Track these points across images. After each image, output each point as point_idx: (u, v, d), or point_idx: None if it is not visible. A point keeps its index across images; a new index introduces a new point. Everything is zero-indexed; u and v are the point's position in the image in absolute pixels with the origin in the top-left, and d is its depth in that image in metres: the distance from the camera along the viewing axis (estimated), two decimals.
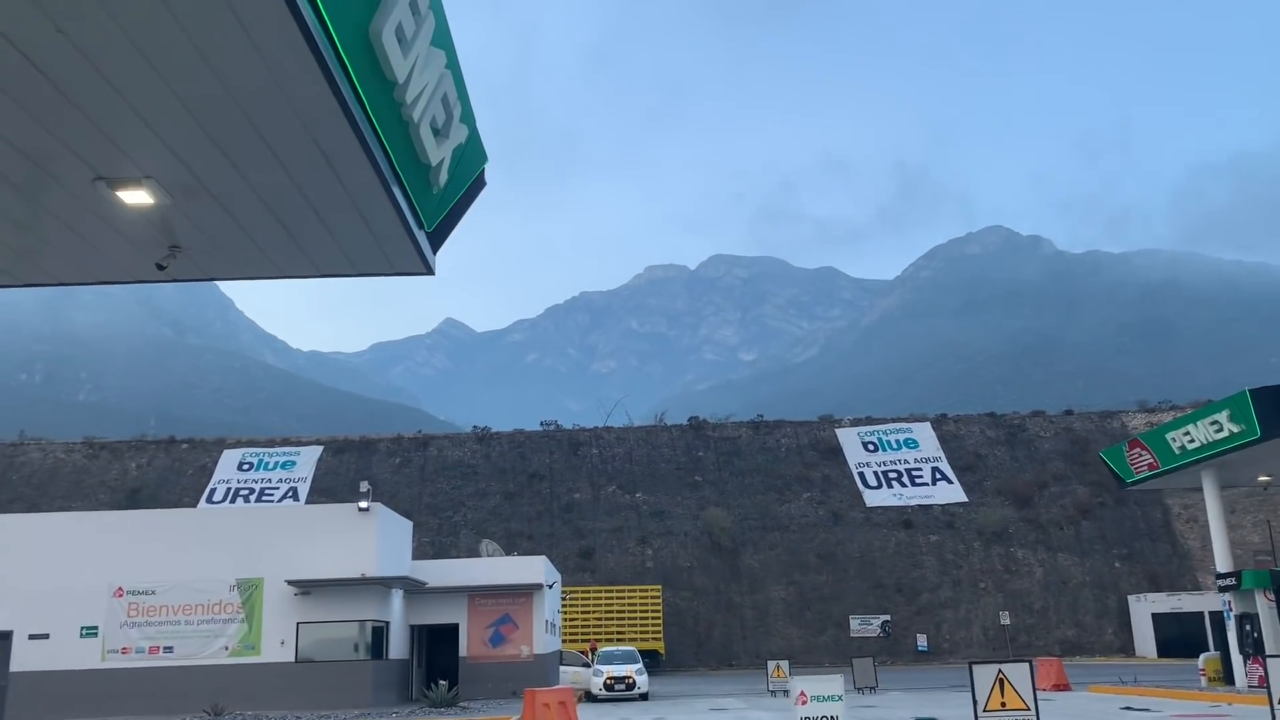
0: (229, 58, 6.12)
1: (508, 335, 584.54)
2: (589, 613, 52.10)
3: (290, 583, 28.60)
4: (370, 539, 29.23)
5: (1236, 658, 25.99)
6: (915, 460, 57.60)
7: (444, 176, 8.40)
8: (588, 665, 34.70)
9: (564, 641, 43.38)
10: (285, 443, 67.58)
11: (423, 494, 65.30)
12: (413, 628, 33.22)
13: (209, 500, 56.63)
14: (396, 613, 31.52)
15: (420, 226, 8.65)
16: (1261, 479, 30.68)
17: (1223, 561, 27.30)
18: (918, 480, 56.96)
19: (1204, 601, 49.97)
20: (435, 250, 9.37)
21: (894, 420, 63.96)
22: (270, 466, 58.40)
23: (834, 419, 71.12)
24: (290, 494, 55.79)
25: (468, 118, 8.37)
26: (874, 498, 57.08)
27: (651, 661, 43.47)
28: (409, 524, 35.18)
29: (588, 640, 47.63)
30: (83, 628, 28.36)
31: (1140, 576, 58.76)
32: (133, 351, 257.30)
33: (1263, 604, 25.32)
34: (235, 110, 6.70)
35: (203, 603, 28.68)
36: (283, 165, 7.44)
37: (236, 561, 29.07)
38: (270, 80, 6.33)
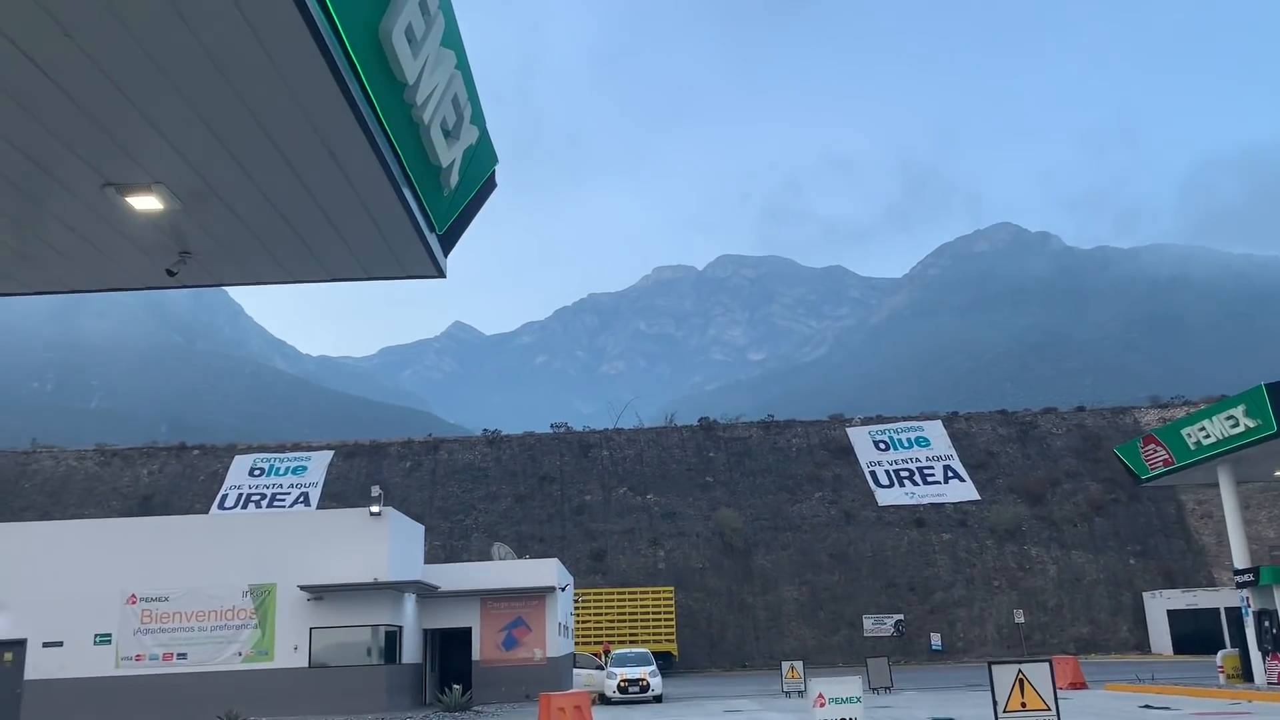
0: (238, 60, 6.06)
1: (516, 338, 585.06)
2: (601, 615, 51.99)
3: (303, 588, 28.57)
4: (382, 543, 29.19)
5: (1255, 654, 25.77)
6: (927, 459, 57.42)
7: (455, 178, 8.33)
8: (601, 668, 34.60)
9: (577, 644, 43.29)
10: (296, 448, 67.68)
11: (434, 497, 65.31)
12: (426, 632, 33.16)
13: (221, 506, 56.75)
14: (409, 617, 31.48)
15: (431, 229, 8.58)
16: (1278, 474, 30.42)
17: (1240, 557, 27.09)
18: (930, 479, 56.78)
19: (1220, 598, 49.66)
20: (446, 253, 9.31)
21: (905, 419, 63.79)
22: (281, 472, 58.49)
23: (844, 418, 70.94)
24: (301, 499, 55.85)
25: (478, 119, 8.30)
26: (886, 496, 56.93)
27: (665, 663, 43.34)
28: (420, 528, 35.13)
29: (600, 643, 47.53)
30: (96, 635, 28.36)
31: (1155, 573, 58.43)
32: (143, 359, 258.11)
33: None
34: (245, 113, 6.63)
35: (216, 609, 28.67)
36: (292, 168, 7.39)
37: (249, 567, 29.05)
38: (279, 82, 6.26)
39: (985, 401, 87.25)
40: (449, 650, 33.57)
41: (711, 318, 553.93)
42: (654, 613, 52.44)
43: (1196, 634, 49.56)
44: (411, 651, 31.53)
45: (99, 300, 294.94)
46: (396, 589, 29.67)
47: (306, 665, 28.46)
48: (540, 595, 33.56)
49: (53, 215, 7.95)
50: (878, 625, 56.80)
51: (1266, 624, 25.36)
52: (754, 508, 63.35)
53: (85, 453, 70.68)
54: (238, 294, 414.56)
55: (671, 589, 54.07)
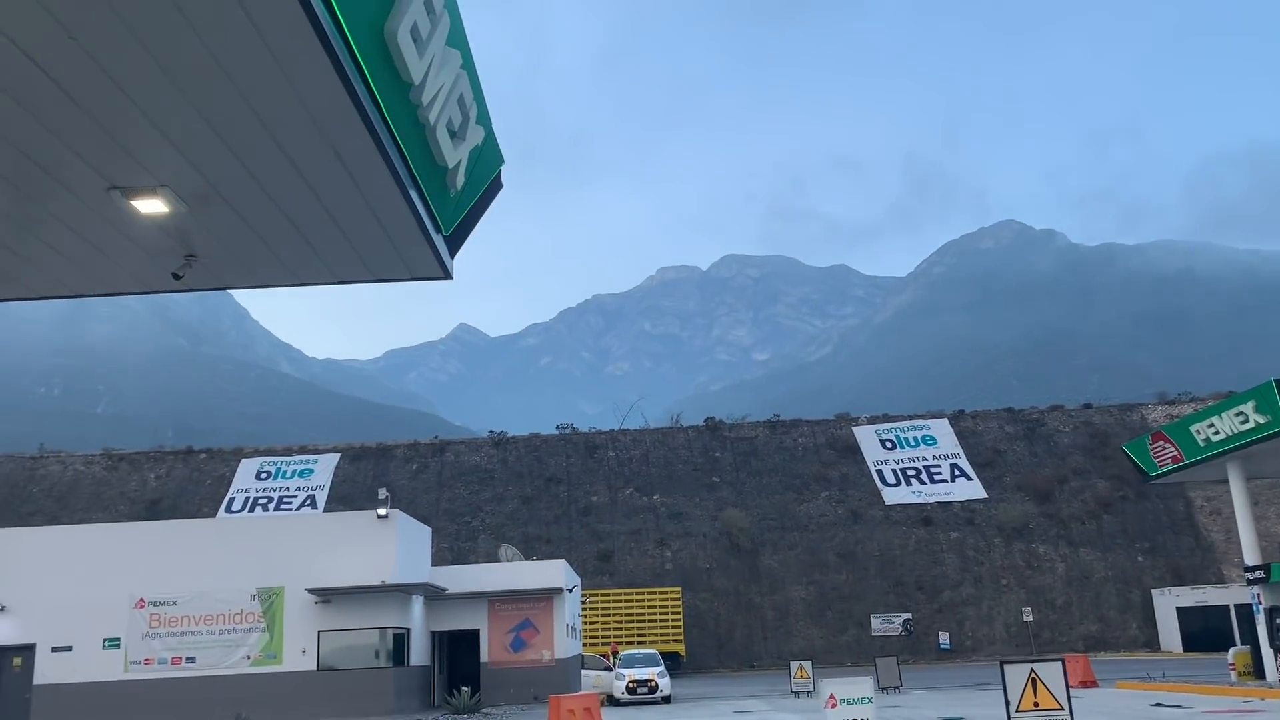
0: (243, 61, 6.02)
1: (521, 339, 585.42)
2: (609, 616, 51.95)
3: (311, 591, 28.56)
4: (390, 546, 29.16)
5: (1267, 651, 25.63)
6: (934, 457, 57.25)
7: (461, 179, 8.28)
8: (609, 669, 34.55)
9: (584, 645, 43.25)
10: (302, 451, 67.74)
11: (440, 499, 65.31)
12: (434, 634, 33.13)
13: (228, 510, 56.78)
14: (417, 619, 31.46)
15: (438, 230, 8.53)
16: None
17: (1250, 554, 26.96)
18: (936, 477, 56.60)
19: (1230, 595, 49.50)
20: (453, 254, 9.25)
21: (911, 417, 63.68)
22: (288, 475, 58.52)
23: (850, 417, 70.81)
24: (308, 502, 55.85)
25: (484, 119, 8.25)
26: (893, 495, 56.76)
27: (673, 664, 43.30)
28: (428, 530, 35.11)
29: (608, 643, 47.50)
30: (105, 639, 28.38)
31: (1163, 570, 58.24)
32: (149, 363, 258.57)
33: None
34: (249, 115, 6.59)
35: (224, 612, 28.67)
36: (298, 170, 7.34)
37: (257, 571, 29.05)
38: (284, 82, 6.22)
39: (991, 399, 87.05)
40: (457, 652, 33.55)
41: (716, 318, 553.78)
42: (661, 613, 52.39)
43: (1206, 631, 49.40)
44: (420, 654, 31.51)
45: (105, 306, 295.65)
46: (404, 591, 29.65)
47: (315, 668, 28.46)
48: (548, 596, 33.53)
49: (58, 219, 7.92)
50: (886, 624, 56.68)
51: (1278, 621, 25.24)
52: (761, 507, 63.27)
53: (92, 457, 70.81)
54: (243, 298, 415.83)
55: (679, 589, 54.00)
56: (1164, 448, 28.20)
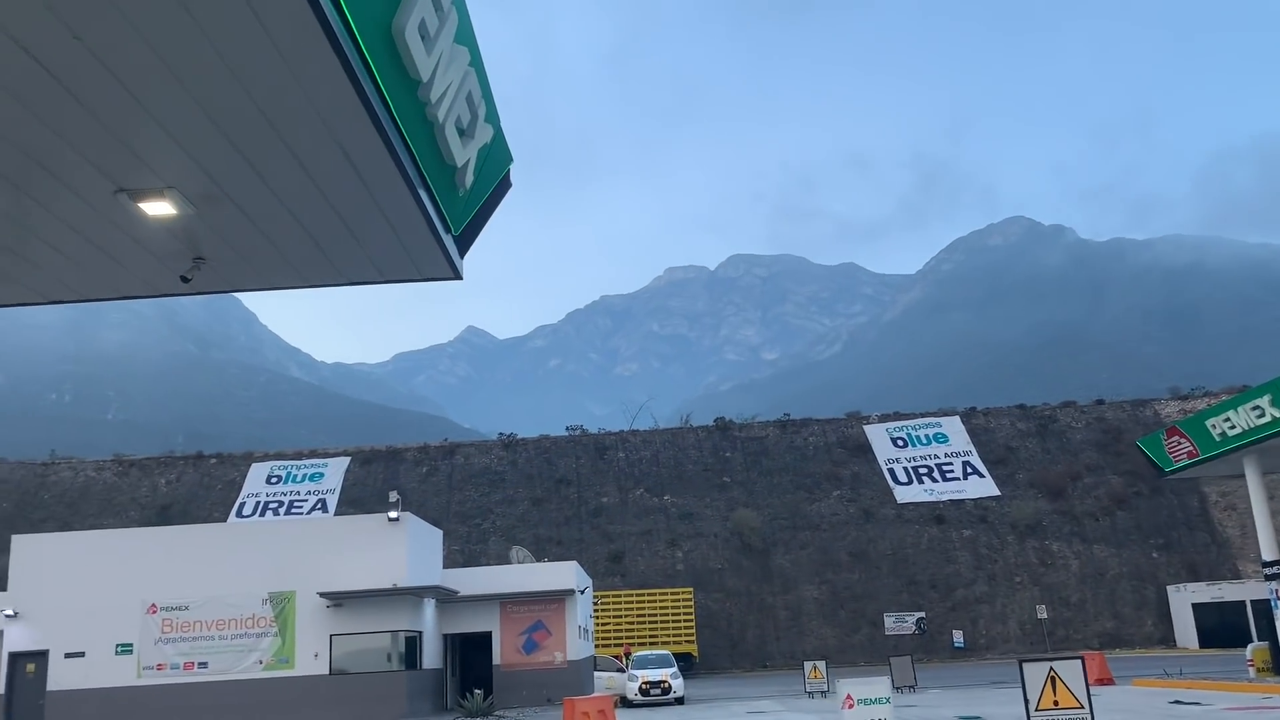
0: (249, 59, 5.93)
1: (529, 341, 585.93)
2: (621, 617, 51.85)
3: (322, 595, 28.53)
4: (401, 549, 29.11)
5: None
6: (945, 455, 57.24)
7: (470, 178, 8.18)
8: (621, 670, 34.45)
9: (596, 647, 43.16)
10: (313, 455, 67.89)
11: (451, 502, 65.30)
12: (446, 637, 33.09)
13: (238, 514, 56.94)
14: (429, 622, 31.41)
15: (447, 230, 8.43)
16: None
17: (1268, 549, 26.71)
18: (949, 475, 56.57)
19: (1246, 590, 49.16)
20: (462, 254, 9.15)
21: (922, 415, 63.53)
22: (298, 479, 58.63)
23: (861, 415, 70.59)
24: (319, 506, 55.95)
25: (492, 117, 8.15)
26: (905, 494, 56.75)
27: (685, 665, 43.17)
28: (439, 533, 35.06)
29: (620, 645, 47.40)
30: (118, 645, 28.40)
31: (1179, 566, 57.89)
32: (159, 369, 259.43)
33: None
34: (257, 115, 6.51)
35: (236, 617, 28.66)
36: (306, 170, 7.26)
37: (268, 575, 29.04)
38: (292, 81, 6.14)
39: (1003, 396, 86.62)
40: (469, 655, 33.49)
41: (724, 317, 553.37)
42: (673, 614, 52.27)
43: (1222, 627, 49.06)
44: (432, 657, 31.46)
45: (114, 312, 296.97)
46: (416, 594, 29.59)
47: (327, 672, 28.43)
48: (559, 598, 33.45)
49: (64, 222, 7.84)
50: (899, 623, 56.45)
51: None
52: (772, 507, 63.10)
53: (103, 463, 70.99)
54: (251, 303, 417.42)
55: (690, 590, 53.87)
56: (1179, 443, 27.98)
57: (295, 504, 56.52)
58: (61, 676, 27.96)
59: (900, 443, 57.90)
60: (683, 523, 62.57)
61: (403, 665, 28.80)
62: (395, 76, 6.49)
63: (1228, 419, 25.45)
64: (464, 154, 7.84)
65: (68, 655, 28.15)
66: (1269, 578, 26.23)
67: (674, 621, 52.01)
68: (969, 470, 56.17)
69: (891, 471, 56.86)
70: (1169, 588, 55.64)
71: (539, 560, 45.30)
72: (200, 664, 28.37)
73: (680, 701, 30.99)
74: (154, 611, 28.68)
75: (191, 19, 5.54)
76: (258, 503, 57.38)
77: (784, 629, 57.47)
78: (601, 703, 17.32)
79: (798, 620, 57.72)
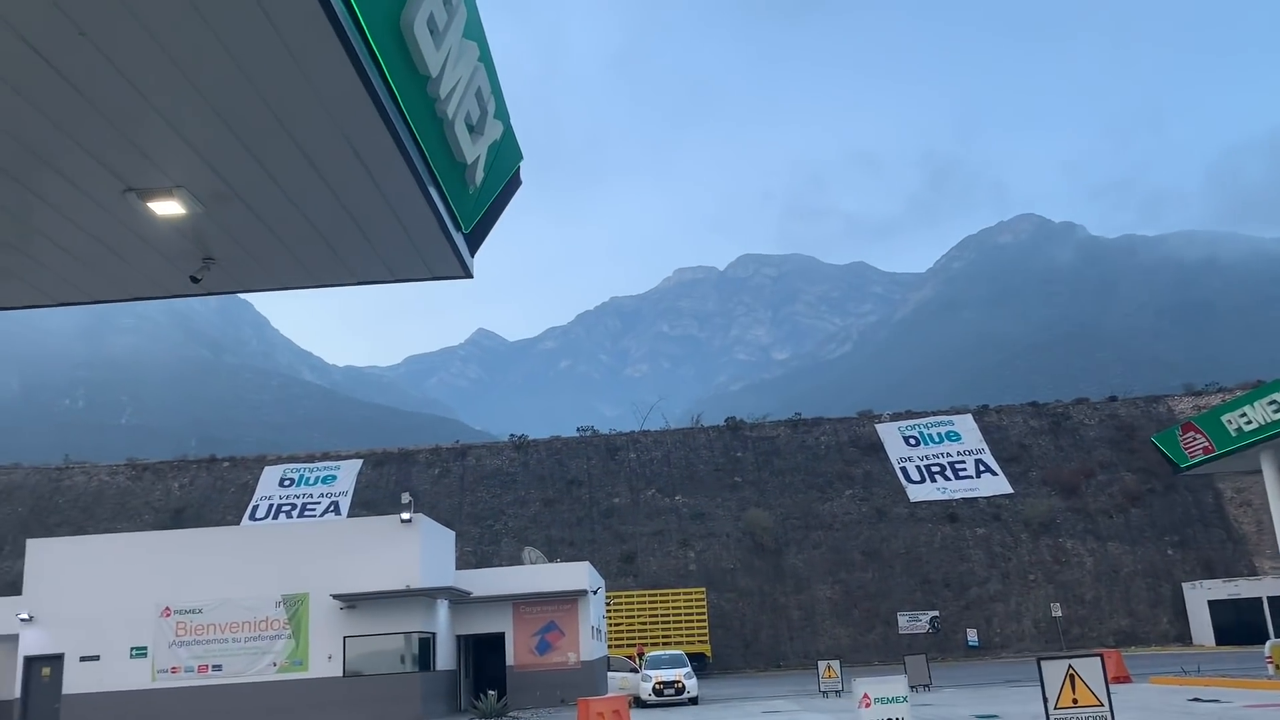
0: (258, 56, 5.89)
1: (540, 343, 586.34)
2: (633, 618, 51.79)
3: (336, 597, 28.55)
4: (414, 550, 29.11)
5: None
6: (958, 453, 56.96)
7: (480, 175, 8.13)
8: (635, 670, 34.38)
9: (609, 647, 43.10)
10: (325, 458, 68.02)
11: (463, 503, 65.33)
12: (459, 638, 33.09)
13: (252, 517, 57.07)
14: (442, 623, 31.40)
15: (458, 228, 8.37)
16: None
17: None
18: (961, 473, 56.29)
19: (1262, 587, 48.82)
20: (473, 252, 9.10)
21: (934, 413, 63.27)
22: (311, 482, 58.74)
23: (873, 414, 70.37)
24: (332, 508, 56.04)
25: (502, 113, 8.09)
26: (917, 492, 56.50)
27: (699, 664, 43.04)
28: (451, 534, 35.07)
29: (633, 645, 47.33)
30: (132, 648, 28.47)
31: (1194, 563, 57.51)
32: (172, 373, 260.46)
33: None
34: (265, 111, 6.47)
35: (249, 620, 28.70)
36: (315, 168, 7.21)
37: (281, 577, 29.07)
38: (300, 77, 6.09)
39: (1015, 394, 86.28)
40: (483, 656, 33.50)
41: (734, 318, 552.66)
42: (686, 614, 52.18)
43: (1239, 624, 48.70)
44: (445, 658, 31.45)
45: (127, 317, 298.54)
46: (429, 595, 29.59)
47: (341, 674, 28.45)
48: (572, 599, 33.41)
49: (73, 222, 7.81)
50: (913, 622, 56.22)
51: None
52: (784, 507, 62.94)
53: (117, 467, 71.26)
54: (263, 307, 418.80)
55: (703, 590, 53.77)
56: (1195, 439, 27.81)
57: (308, 506, 56.64)
58: (76, 680, 28.05)
59: (912, 441, 57.67)
60: (695, 523, 62.47)
61: (416, 667, 28.80)
62: (404, 72, 6.44)
63: (1244, 414, 25.28)
64: (474, 150, 7.78)
65: (83, 659, 28.24)
66: None
67: (687, 622, 51.91)
68: (982, 468, 55.90)
69: (904, 470, 56.61)
70: (1184, 585, 55.27)
71: (551, 561, 45.28)
72: (214, 667, 28.43)
73: (694, 701, 30.92)
74: (168, 615, 28.75)
75: (199, 15, 5.50)
76: (271, 506, 57.50)
77: (797, 629, 57.31)
78: (616, 703, 17.25)
79: (811, 620, 57.55)
